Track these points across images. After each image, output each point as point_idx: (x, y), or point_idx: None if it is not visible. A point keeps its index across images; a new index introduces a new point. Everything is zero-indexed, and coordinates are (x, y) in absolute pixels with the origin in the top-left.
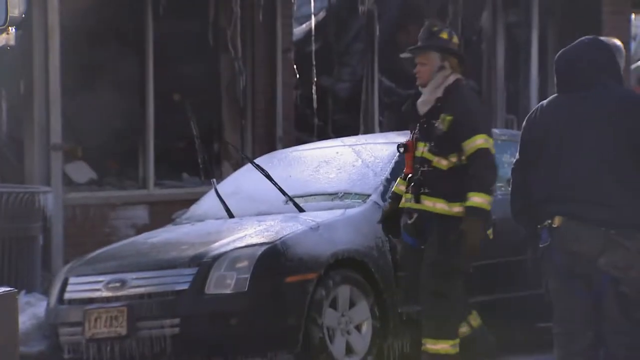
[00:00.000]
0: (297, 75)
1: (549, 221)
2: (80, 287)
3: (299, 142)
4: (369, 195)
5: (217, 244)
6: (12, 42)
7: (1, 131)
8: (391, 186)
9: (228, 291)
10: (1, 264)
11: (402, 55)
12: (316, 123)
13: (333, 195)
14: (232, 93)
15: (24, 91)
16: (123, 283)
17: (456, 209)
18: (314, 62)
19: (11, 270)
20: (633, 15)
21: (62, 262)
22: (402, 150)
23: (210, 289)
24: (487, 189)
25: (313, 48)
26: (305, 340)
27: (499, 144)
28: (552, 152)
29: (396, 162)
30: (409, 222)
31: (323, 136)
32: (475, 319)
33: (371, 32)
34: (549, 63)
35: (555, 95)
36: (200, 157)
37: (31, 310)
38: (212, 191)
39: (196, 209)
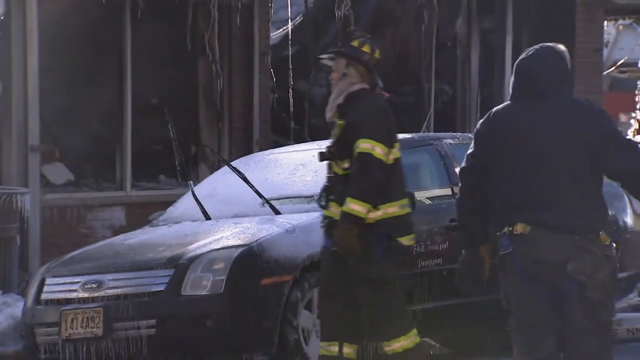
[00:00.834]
0: (274, 79)
1: (509, 228)
2: (57, 287)
3: (276, 145)
4: None
5: (193, 245)
6: None
7: None
8: None
9: (204, 292)
10: None
11: (322, 61)
12: (292, 126)
13: (309, 198)
14: (209, 96)
15: (2, 93)
16: (100, 284)
17: None
18: (290, 66)
19: None
20: (605, 23)
21: (40, 262)
22: (319, 157)
23: (187, 290)
24: (363, 195)
25: (290, 52)
26: (281, 341)
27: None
28: (514, 159)
29: None
30: (321, 226)
31: (299, 139)
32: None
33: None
34: None
35: (512, 102)
36: (177, 159)
37: (8, 311)
38: (189, 193)
39: (173, 210)
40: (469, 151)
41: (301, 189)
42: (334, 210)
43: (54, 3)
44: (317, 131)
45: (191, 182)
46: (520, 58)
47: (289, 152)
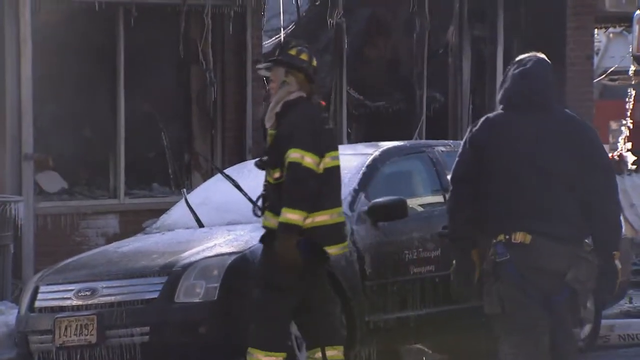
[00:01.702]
0: (267, 87)
1: (506, 236)
2: (50, 295)
3: None
4: None
5: (186, 253)
6: None
7: None
8: (359, 196)
9: (197, 300)
10: None
11: (260, 72)
12: None
13: None
14: (202, 104)
15: None
16: (93, 292)
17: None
18: None
19: None
20: (596, 31)
21: (33, 270)
22: (256, 166)
23: (180, 297)
24: (296, 204)
25: None
26: None
27: None
28: (513, 167)
29: (364, 173)
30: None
31: None
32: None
33: (339, 45)
34: None
35: (509, 111)
36: (170, 167)
37: (2, 319)
38: (182, 201)
39: (166, 218)
40: (460, 157)
41: None
42: (272, 220)
43: (48, 11)
44: None
45: (184, 189)
46: (519, 68)
47: None
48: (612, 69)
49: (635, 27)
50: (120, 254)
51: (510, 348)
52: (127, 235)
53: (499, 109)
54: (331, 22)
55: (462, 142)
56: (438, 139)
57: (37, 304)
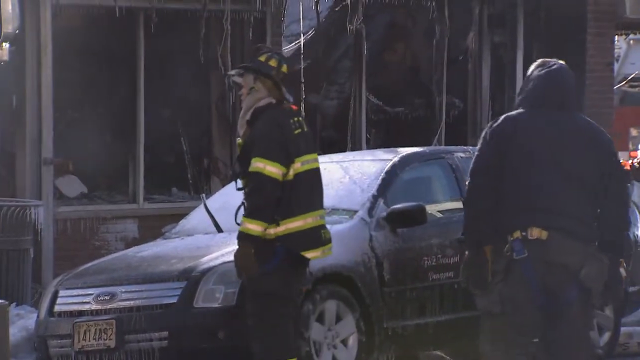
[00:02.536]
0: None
1: (523, 233)
2: (70, 299)
3: None
4: (356, 211)
5: (205, 258)
6: (5, 57)
7: None
8: (378, 202)
9: (216, 305)
10: None
11: (232, 79)
12: None
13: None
14: (221, 109)
15: (16, 106)
16: (112, 296)
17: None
18: (302, 80)
19: (2, 283)
20: (616, 37)
21: (53, 275)
22: (231, 174)
23: (199, 302)
24: (255, 215)
25: (302, 66)
26: None
27: None
28: (533, 163)
29: (383, 179)
30: None
31: None
32: None
33: (359, 51)
34: None
35: (528, 111)
36: (189, 172)
37: (21, 323)
38: (201, 206)
39: (185, 223)
40: (480, 151)
41: None
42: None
43: (68, 17)
44: (329, 144)
45: (203, 195)
46: (544, 69)
47: None
48: (632, 76)
49: None
50: (139, 259)
51: (492, 350)
52: (146, 240)
53: (518, 110)
54: (351, 28)
55: (481, 137)
56: (457, 145)
57: (57, 308)
